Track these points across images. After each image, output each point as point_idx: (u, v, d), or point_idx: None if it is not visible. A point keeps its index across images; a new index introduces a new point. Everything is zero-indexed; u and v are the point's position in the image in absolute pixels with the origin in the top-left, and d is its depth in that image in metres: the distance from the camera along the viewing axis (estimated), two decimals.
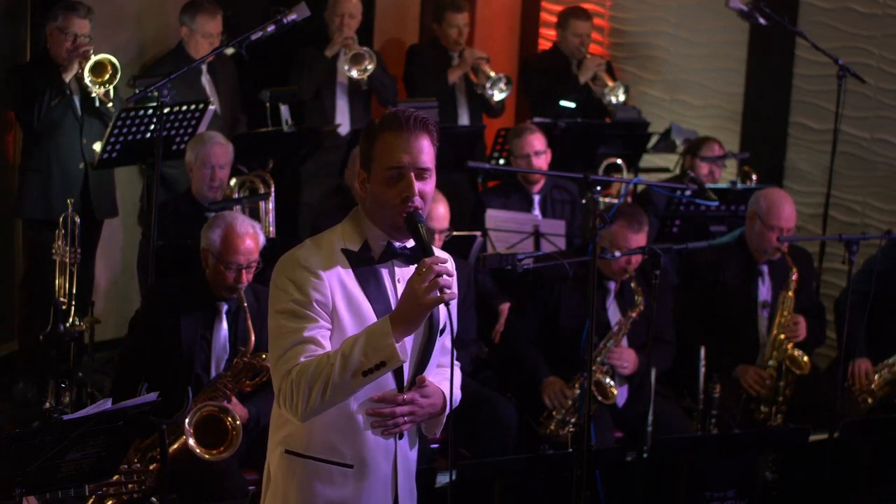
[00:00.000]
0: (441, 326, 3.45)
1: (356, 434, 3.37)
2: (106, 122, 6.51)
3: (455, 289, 3.34)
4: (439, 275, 3.19)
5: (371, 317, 3.31)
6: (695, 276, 6.36)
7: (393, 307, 3.35)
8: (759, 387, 6.13)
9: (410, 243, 3.36)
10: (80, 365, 6.19)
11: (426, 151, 3.32)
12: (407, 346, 3.34)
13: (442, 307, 3.42)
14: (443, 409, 3.47)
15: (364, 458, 3.39)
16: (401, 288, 3.37)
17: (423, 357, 3.42)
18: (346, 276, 3.32)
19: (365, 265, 3.35)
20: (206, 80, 7.29)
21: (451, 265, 3.48)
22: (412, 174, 3.30)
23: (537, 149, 6.91)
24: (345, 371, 3.20)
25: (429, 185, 3.34)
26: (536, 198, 7.03)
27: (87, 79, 6.46)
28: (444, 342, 3.55)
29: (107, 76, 6.51)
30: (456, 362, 3.66)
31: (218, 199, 6.21)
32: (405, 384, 3.38)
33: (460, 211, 6.75)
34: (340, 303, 3.30)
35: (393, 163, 3.29)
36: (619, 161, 7.58)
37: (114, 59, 6.51)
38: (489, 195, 7.10)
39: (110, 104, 6.56)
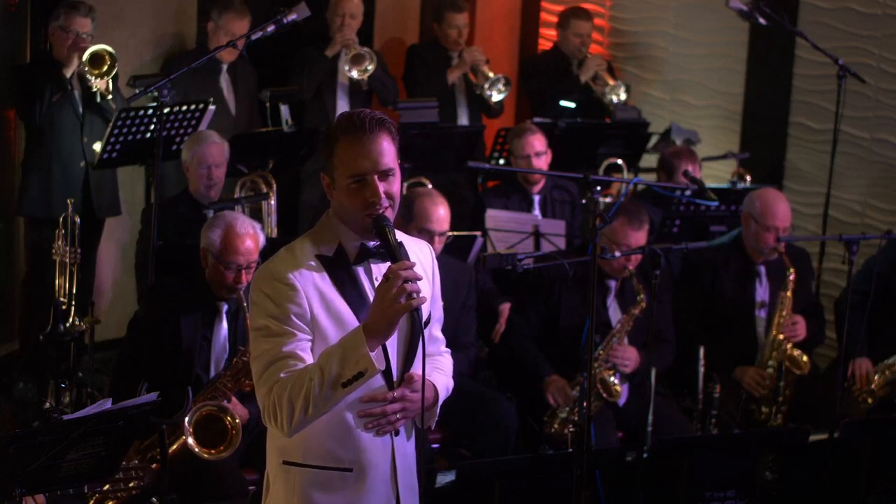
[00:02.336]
0: (426, 318, 3.43)
1: (351, 437, 3.36)
2: (107, 120, 6.52)
3: (437, 286, 3.30)
4: (406, 280, 3.18)
5: (352, 321, 3.31)
6: (693, 277, 6.36)
7: None
8: (759, 388, 6.12)
9: None
10: (80, 365, 6.19)
11: (386, 152, 3.30)
12: (391, 346, 3.34)
13: (430, 288, 3.45)
14: (435, 400, 3.47)
15: (361, 461, 3.38)
16: None
17: (409, 351, 3.41)
18: (323, 283, 3.31)
19: (341, 269, 3.34)
20: (224, 79, 7.31)
21: (425, 257, 3.47)
22: (375, 178, 3.28)
23: (538, 149, 6.91)
24: (324, 385, 3.20)
25: (394, 185, 3.32)
26: (536, 198, 7.03)
27: (86, 70, 6.46)
28: (432, 331, 3.56)
29: (105, 67, 6.51)
30: (446, 350, 3.67)
31: (216, 199, 6.21)
32: (394, 380, 3.38)
33: (460, 211, 6.75)
34: (319, 311, 3.30)
35: (355, 170, 3.27)
36: (620, 161, 7.59)
37: (110, 50, 6.51)
38: (489, 195, 7.10)
39: (110, 97, 6.56)
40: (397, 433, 3.43)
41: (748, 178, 7.66)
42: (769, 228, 6.13)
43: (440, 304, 3.61)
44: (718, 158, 7.66)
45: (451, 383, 3.58)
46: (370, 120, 3.29)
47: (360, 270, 3.37)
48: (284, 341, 3.26)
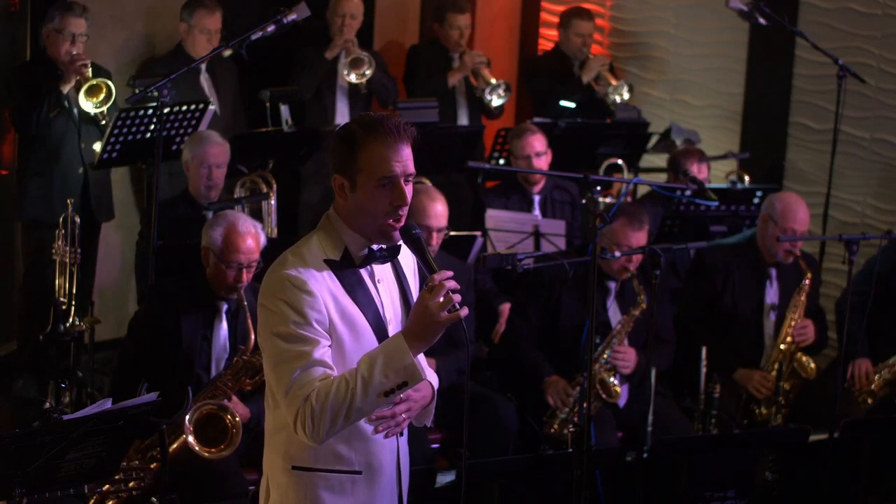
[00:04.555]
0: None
1: (361, 440, 3.39)
2: (103, 130, 6.52)
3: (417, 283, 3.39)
4: (449, 290, 3.21)
5: (364, 325, 3.33)
6: (702, 277, 6.35)
7: (380, 310, 3.38)
8: (765, 391, 6.12)
9: None
10: (80, 365, 6.19)
11: (411, 157, 3.36)
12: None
13: (415, 287, 3.50)
14: (432, 397, 3.51)
15: (372, 463, 3.42)
16: (382, 287, 3.41)
17: None
18: (335, 287, 3.32)
19: (348, 272, 3.36)
20: (204, 79, 7.29)
21: (411, 256, 3.50)
22: (402, 181, 3.32)
23: (538, 150, 6.91)
24: (367, 394, 3.20)
25: (410, 188, 3.37)
26: (537, 198, 7.03)
27: (82, 99, 6.45)
28: None
29: (101, 97, 6.52)
30: None
31: (215, 200, 6.21)
32: None
33: (460, 211, 6.75)
34: (335, 316, 3.31)
35: (386, 173, 3.29)
36: (620, 161, 7.58)
37: (109, 83, 6.51)
38: (489, 195, 7.10)
39: (104, 122, 6.57)
40: (402, 434, 3.47)
41: (746, 178, 7.65)
42: (787, 231, 6.12)
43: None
44: (718, 158, 7.66)
45: (435, 377, 3.61)
46: (403, 126, 3.33)
47: (364, 273, 3.39)
48: (312, 348, 3.26)
